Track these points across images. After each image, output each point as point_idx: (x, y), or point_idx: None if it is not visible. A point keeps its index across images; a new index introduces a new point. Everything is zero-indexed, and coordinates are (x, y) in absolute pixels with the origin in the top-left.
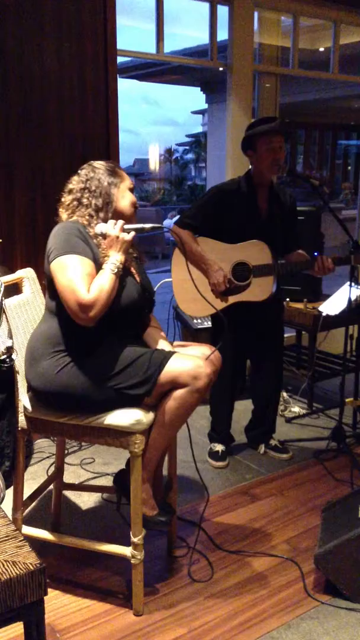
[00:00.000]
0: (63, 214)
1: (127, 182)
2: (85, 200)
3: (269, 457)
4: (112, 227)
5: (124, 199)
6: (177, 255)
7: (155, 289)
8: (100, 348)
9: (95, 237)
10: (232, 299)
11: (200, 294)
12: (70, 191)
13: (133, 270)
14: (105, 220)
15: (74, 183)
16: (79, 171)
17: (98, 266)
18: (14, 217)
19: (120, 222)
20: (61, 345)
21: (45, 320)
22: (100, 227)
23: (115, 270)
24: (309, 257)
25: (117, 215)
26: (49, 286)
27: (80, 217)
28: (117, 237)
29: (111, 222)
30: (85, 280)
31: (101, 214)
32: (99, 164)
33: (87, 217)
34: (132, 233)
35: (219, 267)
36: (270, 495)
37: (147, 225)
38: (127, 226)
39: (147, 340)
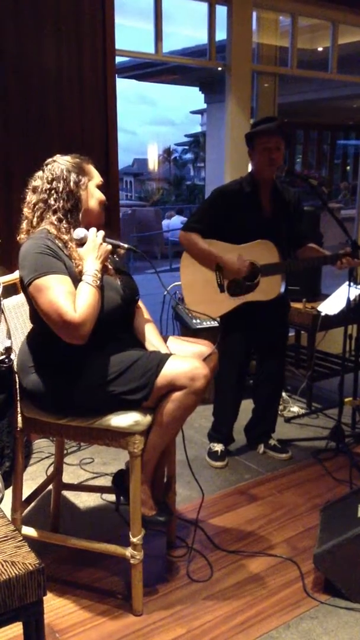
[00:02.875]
0: (29, 215)
1: (96, 179)
2: (52, 202)
3: (268, 457)
4: (94, 235)
5: (92, 197)
6: (186, 259)
7: (170, 286)
8: (93, 355)
9: (66, 244)
10: (241, 299)
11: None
12: (35, 189)
13: (111, 270)
14: (75, 224)
15: (39, 181)
16: (43, 166)
17: (74, 279)
18: (12, 218)
19: (102, 232)
20: (48, 359)
21: (30, 335)
22: (80, 232)
23: (96, 282)
24: (321, 249)
25: (86, 214)
26: (28, 302)
27: (49, 224)
28: (100, 244)
29: (93, 229)
30: (68, 299)
31: (70, 218)
32: (64, 161)
33: (56, 223)
34: (110, 245)
35: (231, 256)
36: (269, 495)
37: (125, 245)
38: (107, 239)
39: (140, 337)
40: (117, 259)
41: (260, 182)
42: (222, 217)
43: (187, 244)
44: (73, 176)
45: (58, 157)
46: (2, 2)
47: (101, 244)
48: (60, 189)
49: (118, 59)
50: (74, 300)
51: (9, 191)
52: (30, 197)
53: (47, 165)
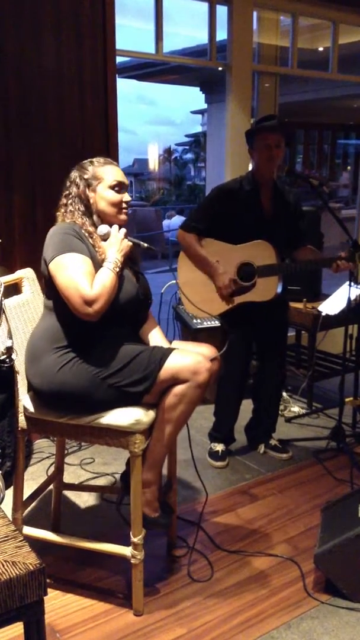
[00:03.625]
0: (59, 218)
1: (108, 180)
2: (70, 207)
3: (269, 457)
4: (116, 231)
5: (102, 200)
6: (183, 258)
7: (165, 287)
8: (100, 345)
9: (91, 235)
10: (237, 300)
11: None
12: (63, 194)
13: (130, 271)
14: (94, 223)
15: (65, 187)
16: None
17: (96, 264)
18: (14, 218)
19: (124, 230)
20: (62, 341)
21: (44, 319)
22: (104, 228)
23: (115, 268)
24: (318, 252)
25: (101, 215)
26: (46, 285)
27: (75, 220)
28: (122, 240)
29: (115, 227)
30: (87, 277)
31: (89, 217)
32: (79, 166)
33: (79, 220)
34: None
35: (224, 270)
36: (270, 494)
37: (145, 244)
38: (128, 237)
39: (145, 338)
40: (136, 268)
41: (260, 181)
42: (222, 215)
43: (184, 244)
44: (82, 182)
45: (79, 165)
46: (2, 1)
47: (123, 239)
48: (74, 194)
49: (118, 59)
50: (92, 280)
51: (10, 191)
52: (61, 200)
53: (71, 170)
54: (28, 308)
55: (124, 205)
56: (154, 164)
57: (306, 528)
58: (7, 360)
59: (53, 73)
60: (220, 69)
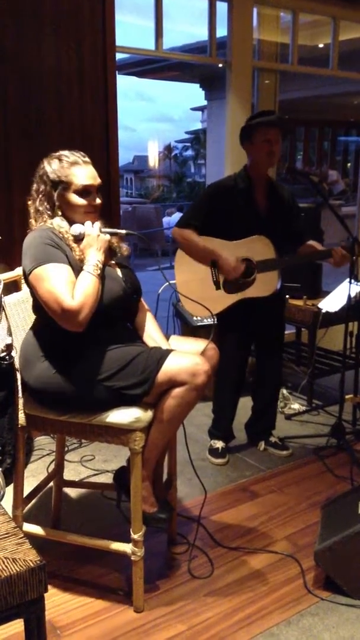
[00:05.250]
0: (31, 205)
1: (75, 184)
2: (40, 206)
3: (269, 454)
4: (90, 227)
5: (69, 206)
6: (180, 257)
7: (162, 287)
8: (95, 348)
9: (66, 239)
10: (237, 296)
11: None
12: (34, 189)
13: (113, 264)
14: (66, 220)
15: (35, 181)
16: (41, 161)
17: (75, 270)
18: (13, 215)
19: (98, 223)
20: (53, 348)
21: (36, 324)
22: (76, 228)
23: (97, 271)
24: (320, 245)
25: (71, 216)
26: (31, 293)
27: (47, 218)
28: (98, 236)
29: (88, 223)
30: (67, 287)
31: (54, 218)
32: (48, 164)
33: (49, 221)
34: (108, 235)
35: (228, 255)
36: (270, 492)
37: (122, 231)
38: (103, 229)
39: (140, 332)
40: (119, 255)
41: (254, 177)
42: (217, 213)
43: (181, 240)
44: (49, 183)
45: (49, 156)
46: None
47: (98, 235)
48: (41, 191)
49: (118, 56)
50: (72, 288)
51: (9, 189)
52: (32, 186)
53: (42, 160)
54: (28, 305)
55: (91, 209)
56: (153, 161)
57: (306, 525)
58: (7, 357)
59: (53, 70)
60: (220, 65)
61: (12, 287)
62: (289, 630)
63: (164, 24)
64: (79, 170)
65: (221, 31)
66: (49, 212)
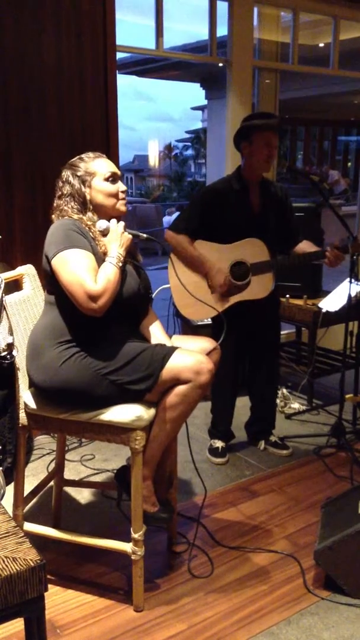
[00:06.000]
0: (55, 219)
1: (101, 173)
2: (65, 207)
3: (269, 454)
4: (115, 225)
5: (99, 193)
6: (174, 260)
7: (156, 292)
8: (103, 342)
9: (90, 229)
10: (233, 299)
11: (196, 296)
12: (57, 196)
13: (131, 265)
14: (91, 218)
15: (57, 188)
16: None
17: (98, 259)
18: (14, 214)
19: (122, 223)
20: (64, 336)
21: (46, 314)
22: (102, 223)
23: (119, 263)
24: (317, 247)
25: (99, 209)
26: (48, 281)
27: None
28: (122, 233)
29: (113, 221)
30: (90, 272)
31: (86, 213)
32: (69, 164)
33: (75, 216)
34: (130, 235)
35: (219, 269)
36: (270, 491)
37: (144, 235)
38: (127, 230)
39: (146, 333)
40: (136, 262)
41: (249, 179)
42: (211, 216)
43: (175, 245)
44: (76, 179)
45: (67, 164)
46: None
47: (123, 232)
48: (67, 193)
49: (117, 55)
50: (95, 275)
51: (10, 188)
52: (55, 202)
53: (62, 169)
54: (29, 304)
55: (121, 195)
56: (154, 160)
57: (306, 524)
58: (8, 356)
59: (53, 69)
60: (220, 65)
61: (12, 286)
62: (288, 630)
63: (165, 23)
64: (102, 161)
65: (222, 30)
66: (76, 209)
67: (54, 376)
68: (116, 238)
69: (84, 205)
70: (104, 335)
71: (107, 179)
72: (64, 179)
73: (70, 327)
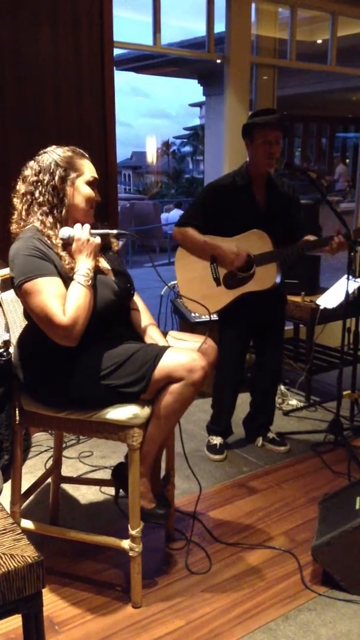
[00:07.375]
0: (19, 206)
1: (86, 175)
2: (37, 195)
3: (267, 450)
4: (80, 230)
5: (79, 194)
6: (180, 256)
7: (162, 292)
8: (92, 347)
9: (54, 245)
10: (238, 291)
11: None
12: (24, 179)
13: (104, 264)
14: (61, 219)
15: (29, 170)
16: (36, 156)
17: (65, 279)
18: (10, 209)
19: (87, 225)
20: (47, 351)
21: (27, 328)
22: (65, 231)
23: (88, 282)
24: (317, 237)
25: (71, 210)
26: (23, 306)
27: (35, 219)
28: (87, 241)
29: (78, 225)
30: (58, 302)
31: (56, 212)
32: (55, 153)
33: (41, 218)
34: (98, 238)
35: (227, 245)
36: (268, 487)
37: (113, 231)
38: (93, 231)
39: (137, 330)
40: (111, 253)
41: (254, 175)
42: (216, 212)
43: (181, 238)
44: (60, 170)
45: (51, 148)
46: None
47: (88, 239)
48: (46, 182)
49: (115, 51)
50: (63, 302)
51: (7, 184)
52: (20, 186)
53: (39, 155)
54: None
55: (96, 204)
56: (152, 157)
57: (304, 521)
58: (5, 353)
59: (50, 65)
60: (218, 61)
61: (9, 283)
62: (286, 626)
63: (162, 19)
64: (88, 162)
65: (219, 27)
66: (46, 208)
67: (44, 383)
68: (82, 247)
69: (59, 203)
70: (91, 342)
71: (88, 183)
72: (44, 165)
73: (52, 341)
